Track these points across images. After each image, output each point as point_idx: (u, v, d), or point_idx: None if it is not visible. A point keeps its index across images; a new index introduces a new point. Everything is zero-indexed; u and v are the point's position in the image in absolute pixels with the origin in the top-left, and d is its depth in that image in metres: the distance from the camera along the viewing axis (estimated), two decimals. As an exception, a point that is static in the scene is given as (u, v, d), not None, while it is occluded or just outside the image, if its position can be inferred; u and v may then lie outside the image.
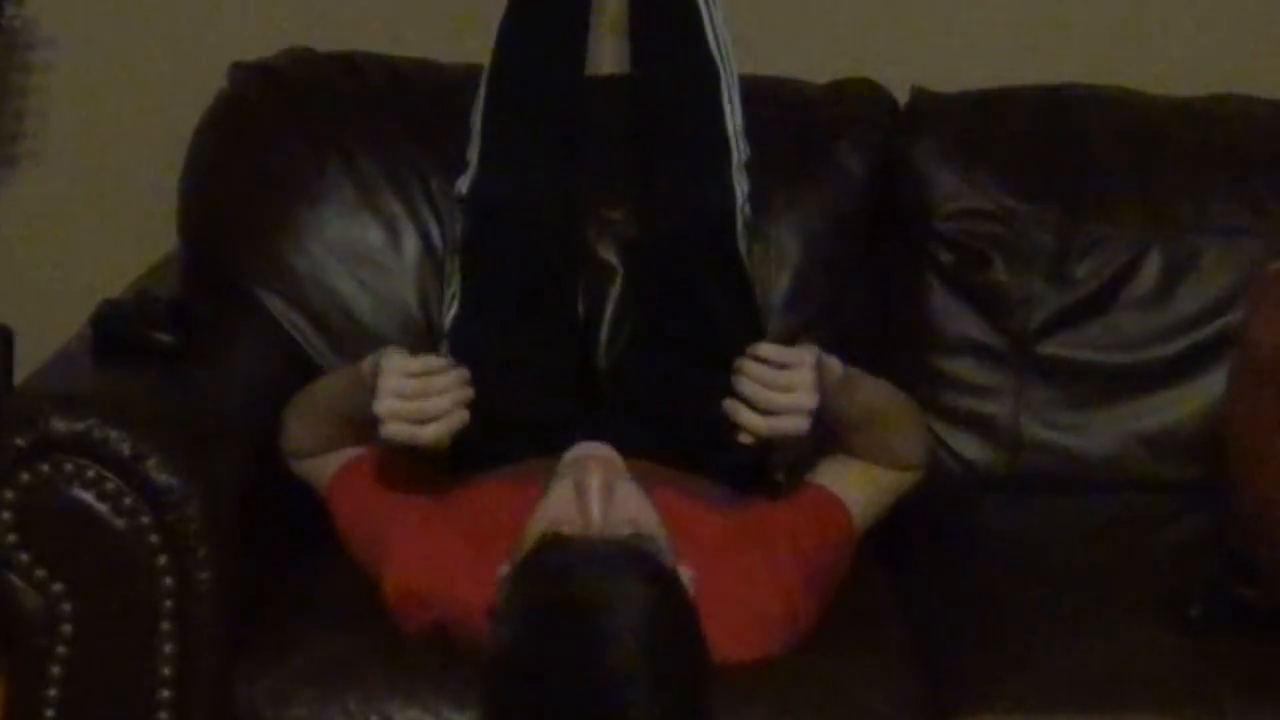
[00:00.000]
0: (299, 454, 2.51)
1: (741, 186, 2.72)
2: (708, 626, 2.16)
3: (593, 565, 2.10)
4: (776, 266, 2.84)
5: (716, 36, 2.75)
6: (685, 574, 2.20)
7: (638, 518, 2.21)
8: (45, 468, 2.28)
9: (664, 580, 2.12)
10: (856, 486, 2.46)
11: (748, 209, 2.72)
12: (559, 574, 2.09)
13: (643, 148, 2.78)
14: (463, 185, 2.76)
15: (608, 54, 2.98)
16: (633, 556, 2.13)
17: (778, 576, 2.34)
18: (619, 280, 2.83)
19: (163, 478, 2.28)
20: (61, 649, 2.30)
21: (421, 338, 2.81)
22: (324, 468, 2.50)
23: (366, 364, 2.36)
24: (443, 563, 2.32)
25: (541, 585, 2.09)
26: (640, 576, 2.09)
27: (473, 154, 2.76)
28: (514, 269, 2.71)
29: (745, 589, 2.32)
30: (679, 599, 2.13)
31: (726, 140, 2.72)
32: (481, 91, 2.77)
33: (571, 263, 2.78)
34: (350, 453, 2.48)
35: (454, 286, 2.73)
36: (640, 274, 2.78)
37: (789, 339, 2.82)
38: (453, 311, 2.72)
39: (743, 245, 2.72)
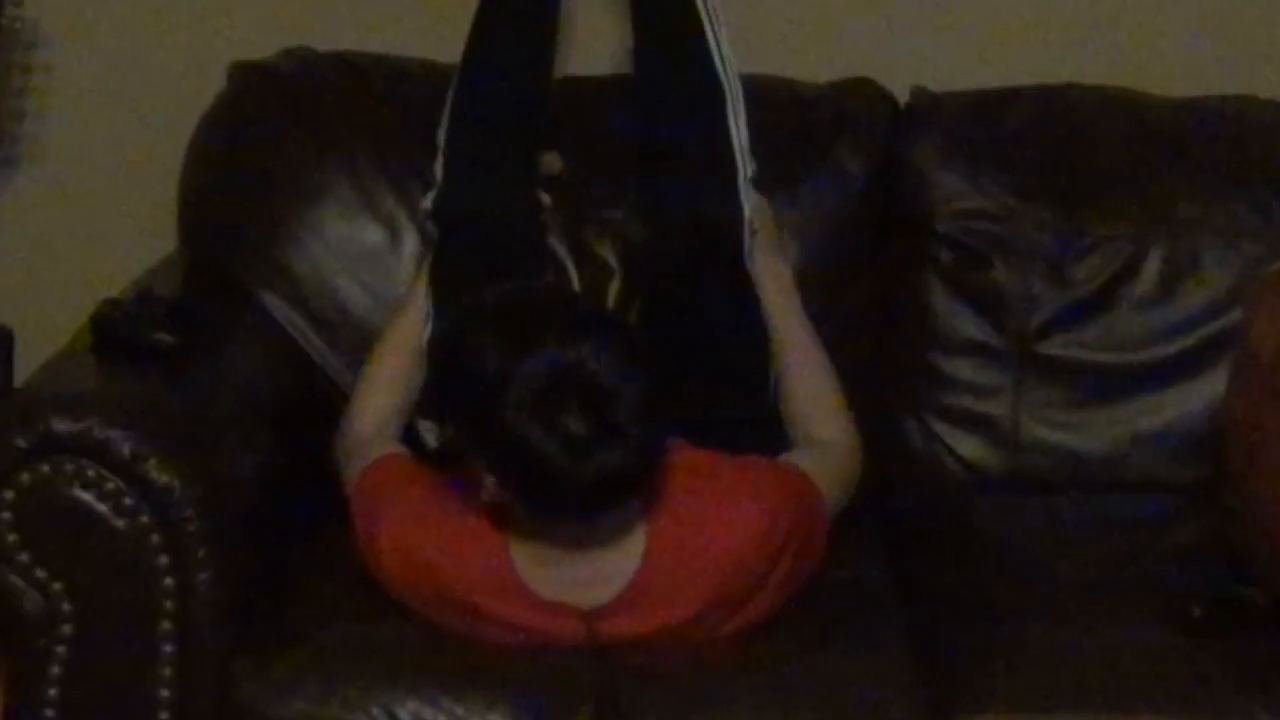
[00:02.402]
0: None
1: (749, 202, 2.72)
2: (691, 536, 2.31)
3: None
4: (776, 266, 2.84)
5: (721, 54, 2.75)
6: None
7: None
8: (45, 468, 2.28)
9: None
10: (815, 472, 2.50)
11: (755, 223, 2.73)
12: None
13: (649, 164, 2.79)
14: (428, 201, 2.76)
15: (607, 55, 2.98)
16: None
17: (759, 502, 2.37)
18: (617, 280, 2.83)
19: (163, 478, 2.28)
20: (61, 649, 2.30)
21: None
22: (355, 466, 2.53)
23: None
24: (439, 531, 2.35)
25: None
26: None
27: (438, 170, 2.76)
28: (482, 284, 2.71)
29: (723, 504, 2.36)
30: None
31: (733, 157, 2.73)
32: (446, 107, 2.77)
33: (540, 276, 2.79)
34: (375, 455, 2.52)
35: (428, 303, 2.73)
36: (646, 288, 2.79)
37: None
38: (429, 328, 2.72)
39: (749, 261, 2.72)
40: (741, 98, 2.74)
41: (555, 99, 2.82)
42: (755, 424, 2.68)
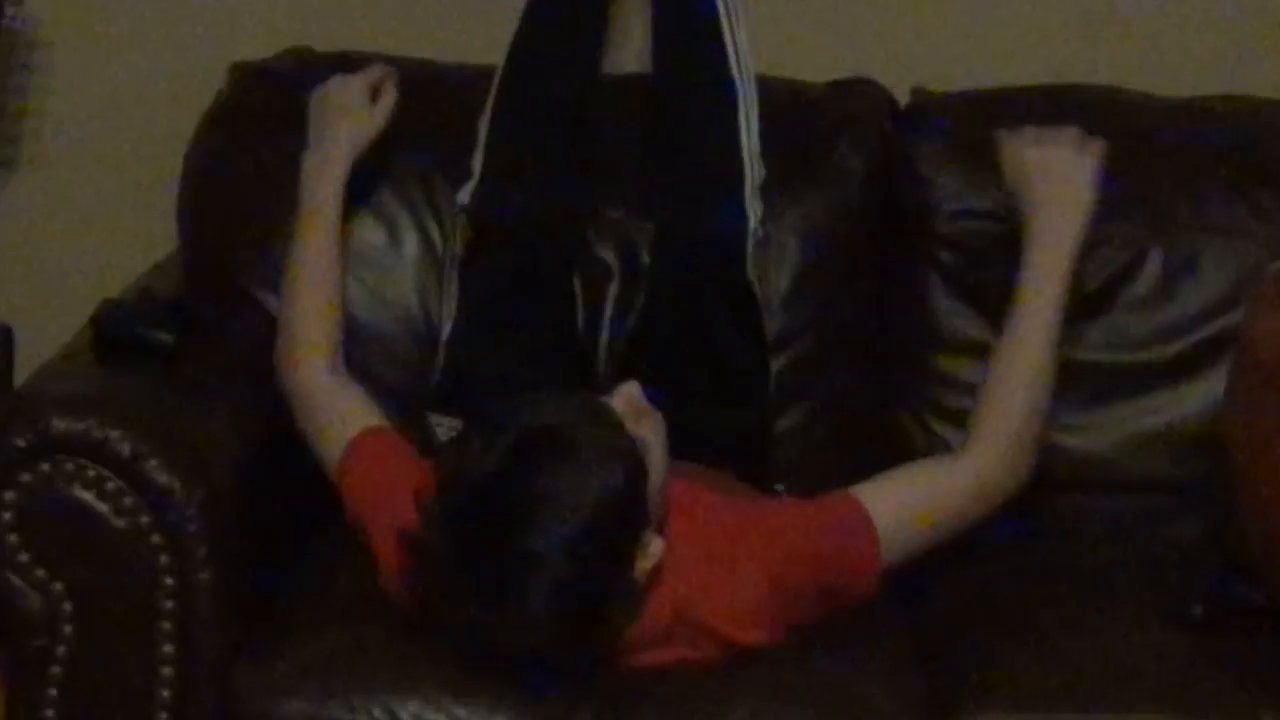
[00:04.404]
0: (299, 349, 2.55)
1: (755, 211, 2.71)
2: (693, 595, 2.26)
3: (585, 411, 2.22)
4: (776, 266, 2.83)
5: (738, 55, 2.73)
6: (656, 544, 2.23)
7: (651, 427, 2.27)
8: (45, 468, 2.28)
9: (632, 466, 2.20)
10: (895, 503, 2.39)
11: (760, 232, 2.72)
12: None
13: (656, 166, 2.77)
14: (464, 196, 2.75)
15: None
16: (621, 433, 2.21)
17: (761, 565, 2.32)
18: (617, 280, 2.83)
19: (163, 478, 2.28)
20: (61, 649, 2.30)
21: (421, 338, 2.81)
22: (328, 426, 2.49)
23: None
24: None
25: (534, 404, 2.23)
26: (616, 450, 2.19)
27: (476, 163, 2.75)
28: (514, 285, 2.70)
29: (727, 568, 2.32)
30: (631, 495, 2.19)
31: (741, 163, 2.71)
32: (490, 99, 2.76)
33: (572, 280, 2.77)
34: (352, 430, 2.47)
35: (453, 297, 2.72)
36: (648, 295, 2.76)
37: (789, 339, 2.82)
38: (450, 323, 2.71)
39: (752, 270, 2.70)
40: (755, 101, 2.73)
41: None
42: (752, 435, 2.67)
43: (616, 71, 2.95)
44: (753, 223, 2.71)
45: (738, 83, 2.73)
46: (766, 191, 2.76)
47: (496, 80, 2.76)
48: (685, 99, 2.77)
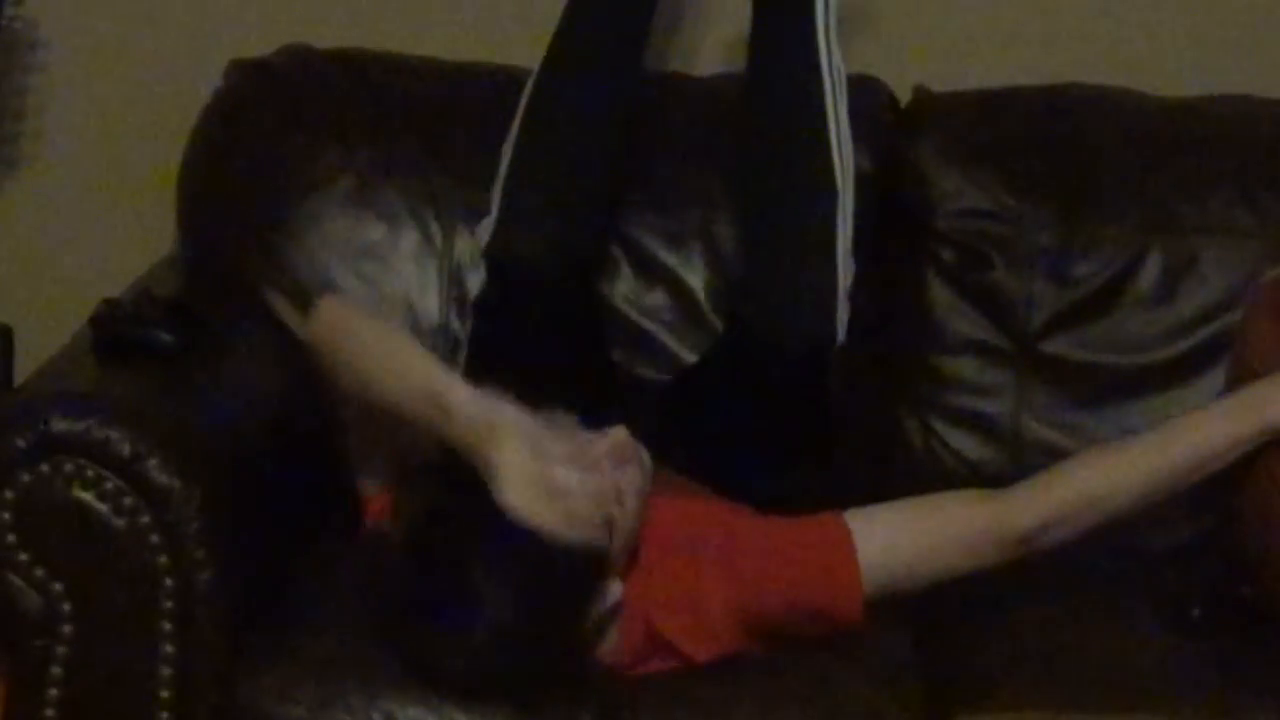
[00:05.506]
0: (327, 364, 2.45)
1: (843, 321, 2.63)
2: (657, 611, 2.26)
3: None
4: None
5: (839, 141, 2.65)
6: (614, 589, 2.23)
7: (620, 504, 2.23)
8: (45, 468, 2.28)
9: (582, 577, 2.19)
10: (888, 534, 2.36)
11: (844, 336, 2.64)
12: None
13: (746, 257, 2.69)
14: (483, 234, 2.71)
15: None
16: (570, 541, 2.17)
17: (726, 582, 2.31)
18: (626, 277, 2.82)
19: (163, 478, 2.27)
20: (61, 649, 2.30)
21: (420, 333, 2.81)
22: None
23: (456, 398, 2.25)
24: None
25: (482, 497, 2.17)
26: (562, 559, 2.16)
27: (495, 196, 2.70)
28: (532, 332, 2.66)
29: (691, 582, 2.31)
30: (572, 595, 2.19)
31: (835, 268, 2.62)
32: (515, 128, 2.71)
33: (591, 328, 2.74)
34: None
35: (466, 332, 2.71)
36: (717, 391, 2.67)
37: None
38: (464, 355, 2.70)
39: (833, 381, 2.65)
40: (852, 193, 2.66)
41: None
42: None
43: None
44: (840, 335, 2.63)
45: (838, 175, 2.63)
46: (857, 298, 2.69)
47: (523, 105, 2.71)
48: (783, 194, 2.65)
